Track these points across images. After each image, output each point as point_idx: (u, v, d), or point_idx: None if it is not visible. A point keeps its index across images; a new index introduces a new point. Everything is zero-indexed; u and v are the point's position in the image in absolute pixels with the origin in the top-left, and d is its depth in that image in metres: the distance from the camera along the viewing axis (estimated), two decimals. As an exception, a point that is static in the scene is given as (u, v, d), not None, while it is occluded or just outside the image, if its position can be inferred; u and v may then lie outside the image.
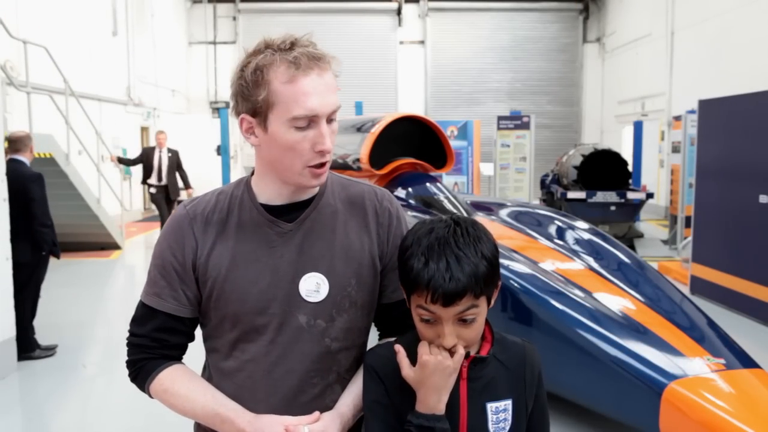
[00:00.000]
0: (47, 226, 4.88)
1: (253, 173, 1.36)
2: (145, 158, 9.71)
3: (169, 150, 9.67)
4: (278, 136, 1.22)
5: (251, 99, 1.23)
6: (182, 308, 1.32)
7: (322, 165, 1.25)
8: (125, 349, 1.36)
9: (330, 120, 1.25)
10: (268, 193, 1.32)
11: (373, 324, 1.45)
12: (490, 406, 1.24)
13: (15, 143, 5.06)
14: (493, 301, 1.25)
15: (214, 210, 1.32)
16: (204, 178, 13.30)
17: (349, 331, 1.33)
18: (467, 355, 1.23)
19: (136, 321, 1.34)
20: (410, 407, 1.21)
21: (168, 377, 1.31)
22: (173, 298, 1.31)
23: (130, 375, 1.35)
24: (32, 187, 4.82)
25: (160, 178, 9.63)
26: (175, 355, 1.36)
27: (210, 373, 1.38)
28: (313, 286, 1.29)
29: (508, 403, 1.26)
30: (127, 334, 1.35)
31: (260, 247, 1.29)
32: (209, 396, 1.29)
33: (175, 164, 9.69)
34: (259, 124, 1.25)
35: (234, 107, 1.29)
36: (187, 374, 1.33)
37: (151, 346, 1.33)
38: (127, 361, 1.35)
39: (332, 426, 1.26)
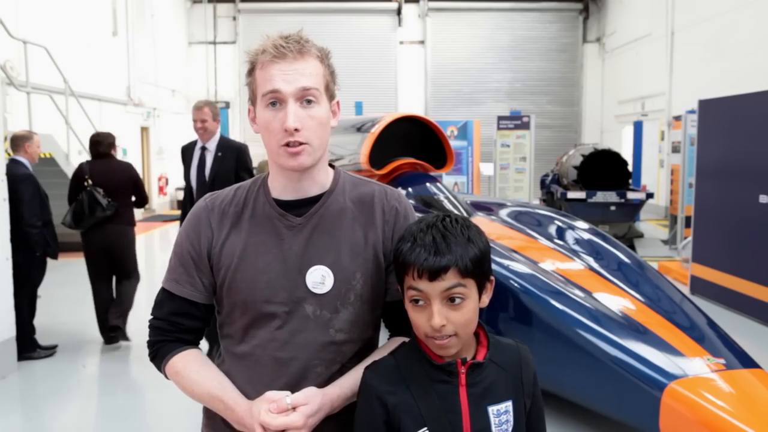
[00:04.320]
0: (36, 227, 4.84)
1: (268, 173, 1.43)
2: (185, 168, 4.95)
3: (222, 146, 4.73)
4: (259, 117, 1.33)
5: (249, 88, 1.36)
6: (197, 294, 1.40)
7: (295, 144, 1.29)
8: (147, 330, 1.45)
9: (304, 102, 1.29)
10: (277, 186, 1.39)
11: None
12: (492, 409, 1.25)
13: (11, 143, 5.11)
14: (485, 298, 1.27)
15: (230, 203, 1.41)
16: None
17: (354, 324, 1.37)
18: (464, 361, 1.25)
19: (156, 305, 1.43)
20: (413, 425, 1.22)
21: (180, 361, 1.39)
22: (189, 284, 1.39)
23: (149, 355, 1.44)
24: (20, 188, 4.81)
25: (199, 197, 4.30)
26: (190, 339, 1.43)
27: (223, 358, 1.44)
28: (319, 279, 1.34)
29: (509, 405, 1.27)
30: (150, 317, 1.43)
31: (270, 239, 1.36)
32: (216, 383, 1.36)
33: (232, 173, 4.64)
34: (255, 111, 1.36)
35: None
36: (198, 360, 1.40)
37: (168, 329, 1.41)
38: (147, 342, 1.44)
39: (314, 399, 1.27)
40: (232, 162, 4.66)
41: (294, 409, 1.24)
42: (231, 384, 1.36)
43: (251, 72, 1.33)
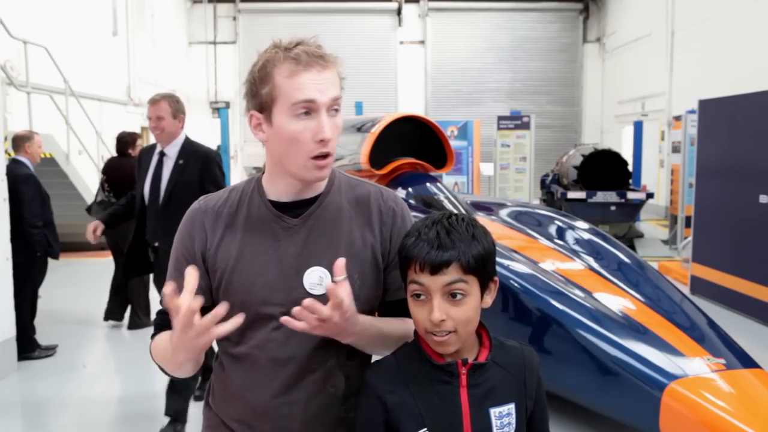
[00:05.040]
0: (37, 227, 4.86)
1: (263, 172, 1.42)
2: (140, 177, 3.86)
3: (185, 152, 3.68)
4: (282, 128, 1.28)
5: (258, 95, 1.30)
6: (195, 297, 1.35)
7: (324, 156, 1.29)
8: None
9: (332, 112, 1.29)
10: (277, 190, 1.38)
11: None
12: (494, 411, 1.25)
13: (12, 143, 5.13)
14: (489, 299, 1.27)
15: (224, 205, 1.40)
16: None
17: None
18: (465, 362, 1.25)
19: (159, 309, 1.42)
20: (412, 425, 1.23)
21: (156, 337, 1.38)
22: None
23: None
24: (22, 188, 4.82)
25: (154, 232, 3.67)
26: None
27: (220, 360, 1.44)
28: (317, 280, 1.33)
29: (511, 407, 1.27)
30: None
31: (267, 241, 1.35)
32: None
33: (195, 187, 3.49)
34: (266, 120, 1.31)
35: (245, 106, 1.36)
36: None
37: (162, 325, 1.39)
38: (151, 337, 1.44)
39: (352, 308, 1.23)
40: (196, 173, 3.60)
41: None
42: None
43: (266, 78, 1.28)
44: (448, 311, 1.20)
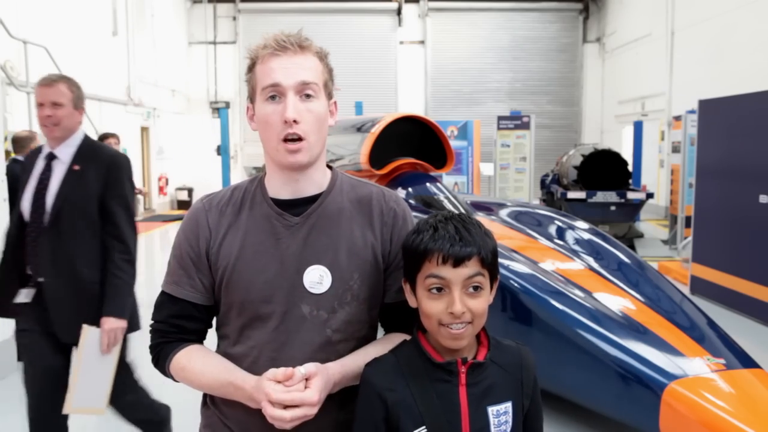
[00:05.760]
0: None
1: (266, 172, 1.43)
2: (11, 189, 3.75)
3: (83, 155, 2.63)
4: (258, 112, 1.34)
5: (248, 86, 1.37)
6: (198, 295, 1.39)
7: (293, 140, 1.30)
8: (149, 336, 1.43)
9: (303, 96, 1.31)
10: (275, 185, 1.39)
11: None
12: (491, 410, 1.27)
13: (14, 144, 5.15)
14: (491, 296, 1.29)
15: (228, 203, 1.41)
16: (204, 178, 13.27)
17: (349, 324, 1.37)
18: (465, 361, 1.26)
19: (156, 308, 1.42)
20: (411, 423, 1.23)
21: (184, 356, 1.37)
22: (190, 286, 1.38)
23: (152, 360, 1.42)
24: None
25: (37, 262, 2.59)
26: (193, 339, 1.42)
27: None
28: (317, 278, 1.34)
29: (508, 406, 1.28)
30: (150, 321, 1.43)
31: (268, 239, 1.35)
32: (221, 367, 1.35)
33: (94, 202, 2.59)
34: (254, 108, 1.36)
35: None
36: (201, 351, 1.39)
37: (170, 332, 1.40)
38: (149, 347, 1.42)
39: (322, 372, 1.26)
40: (97, 183, 2.61)
41: (307, 380, 1.24)
42: (236, 366, 1.34)
43: (251, 68, 1.35)
44: (467, 303, 1.22)
